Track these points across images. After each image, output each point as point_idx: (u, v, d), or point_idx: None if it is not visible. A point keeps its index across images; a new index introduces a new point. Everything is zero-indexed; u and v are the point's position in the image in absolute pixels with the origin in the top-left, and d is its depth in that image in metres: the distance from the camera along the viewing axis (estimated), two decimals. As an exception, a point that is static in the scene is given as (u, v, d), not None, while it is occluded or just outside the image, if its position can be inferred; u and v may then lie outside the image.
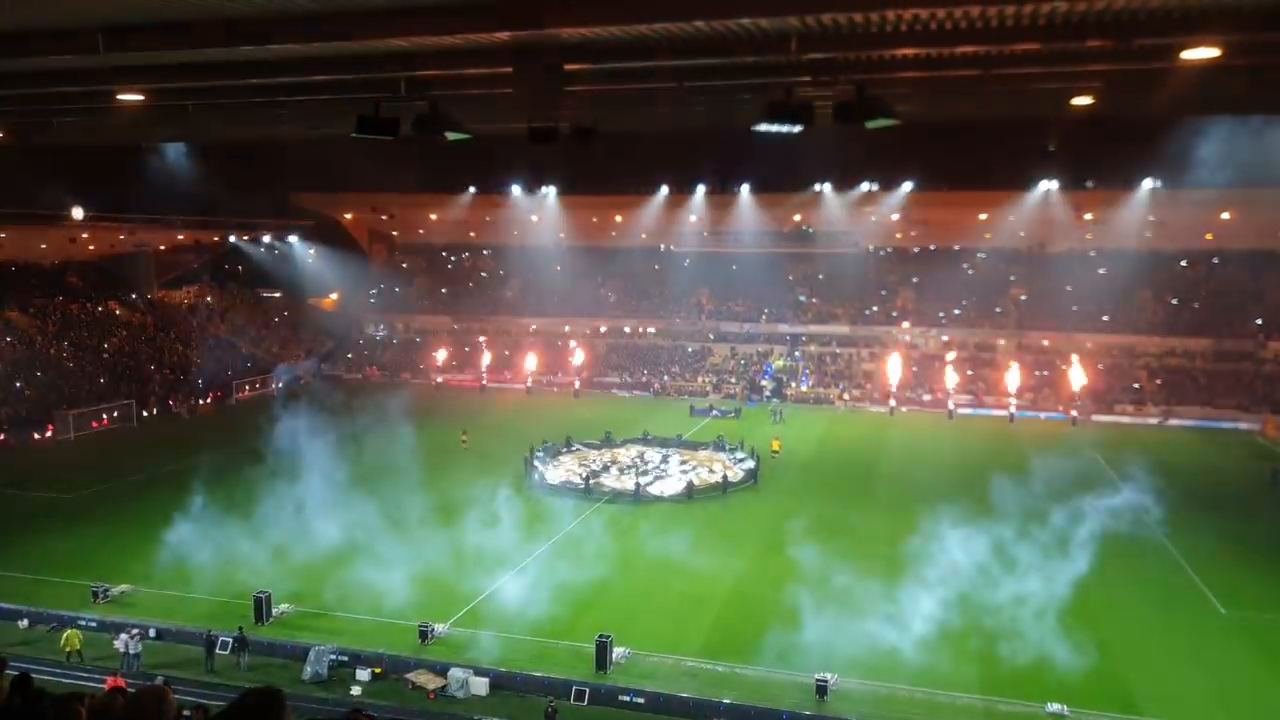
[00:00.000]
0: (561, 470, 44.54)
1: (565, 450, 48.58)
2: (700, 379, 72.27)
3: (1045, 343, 70.37)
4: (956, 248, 79.15)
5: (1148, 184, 64.67)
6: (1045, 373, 67.42)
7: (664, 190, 74.85)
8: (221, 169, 60.19)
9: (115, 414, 57.87)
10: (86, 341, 66.04)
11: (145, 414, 59.88)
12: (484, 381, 72.22)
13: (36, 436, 53.13)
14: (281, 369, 73.57)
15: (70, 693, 6.26)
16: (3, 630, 26.31)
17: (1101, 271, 71.74)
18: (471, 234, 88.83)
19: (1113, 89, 18.91)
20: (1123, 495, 36.86)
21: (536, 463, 44.86)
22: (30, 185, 53.79)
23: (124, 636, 24.71)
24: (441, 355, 75.73)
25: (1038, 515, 32.20)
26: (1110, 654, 24.81)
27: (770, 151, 53.27)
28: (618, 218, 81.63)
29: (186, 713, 6.62)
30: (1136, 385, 64.93)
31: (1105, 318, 70.25)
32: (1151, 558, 33.03)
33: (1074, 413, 60.66)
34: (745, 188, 74.05)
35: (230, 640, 24.99)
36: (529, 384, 70.40)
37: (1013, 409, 61.83)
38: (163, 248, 76.63)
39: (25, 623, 27.08)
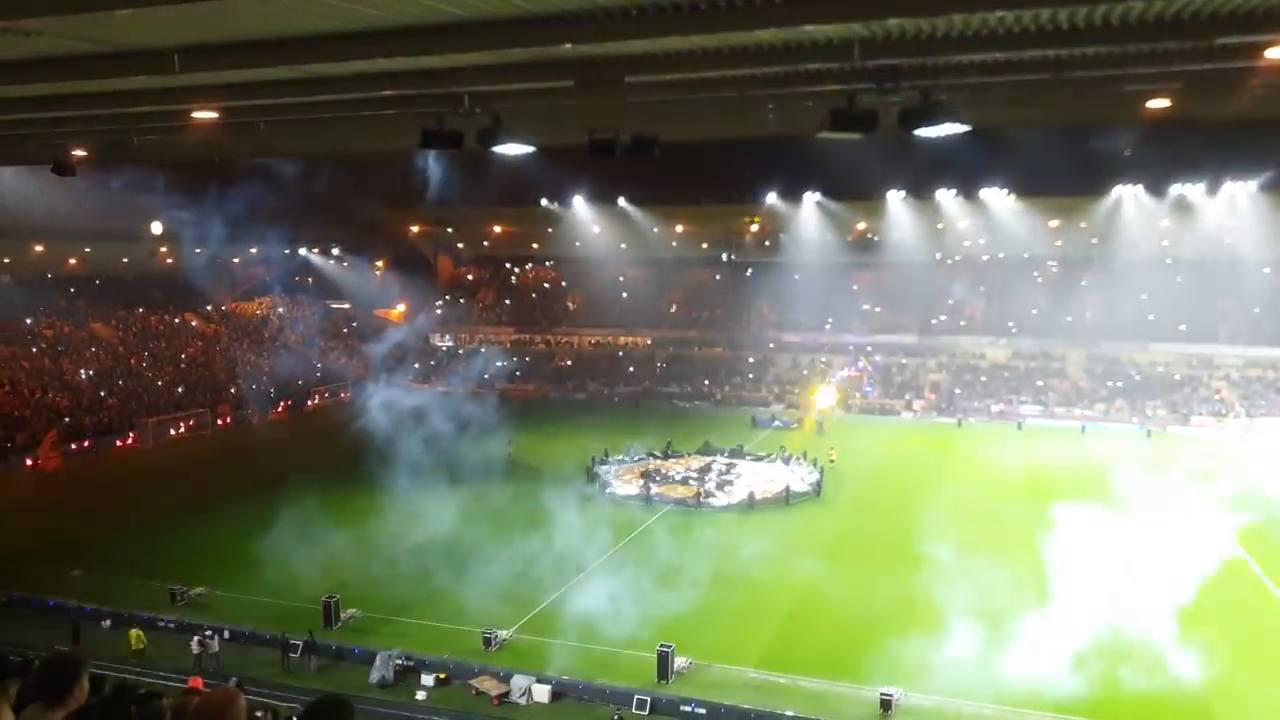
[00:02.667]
0: (623, 479, 44.60)
1: (627, 459, 48.63)
2: (763, 389, 71.75)
3: (1119, 352, 68.20)
4: (1026, 255, 77.34)
5: (1229, 187, 62.30)
6: (1118, 383, 65.38)
7: (725, 200, 74.47)
8: (291, 183, 61.82)
9: (191, 422, 59.68)
10: (164, 352, 68.35)
11: (220, 422, 61.66)
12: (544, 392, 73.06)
13: (119, 444, 55.10)
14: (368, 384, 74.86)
15: (151, 690, 6.44)
16: (87, 630, 27.27)
17: (1179, 279, 69.34)
18: (534, 245, 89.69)
19: (1192, 91, 18.25)
20: (1203, 514, 35.42)
21: (598, 471, 45.01)
22: (113, 201, 56.08)
23: (198, 637, 25.46)
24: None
25: (1110, 532, 31.14)
26: (1192, 680, 23.73)
27: (833, 159, 52.83)
28: (678, 228, 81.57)
29: (259, 714, 6.77)
30: (1217, 396, 62.58)
31: (1182, 326, 67.85)
32: (1240, 581, 31.46)
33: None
34: (807, 196, 73.37)
35: (300, 643, 25.51)
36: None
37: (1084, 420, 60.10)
38: (236, 260, 78.96)
39: (108, 623, 28.03)
